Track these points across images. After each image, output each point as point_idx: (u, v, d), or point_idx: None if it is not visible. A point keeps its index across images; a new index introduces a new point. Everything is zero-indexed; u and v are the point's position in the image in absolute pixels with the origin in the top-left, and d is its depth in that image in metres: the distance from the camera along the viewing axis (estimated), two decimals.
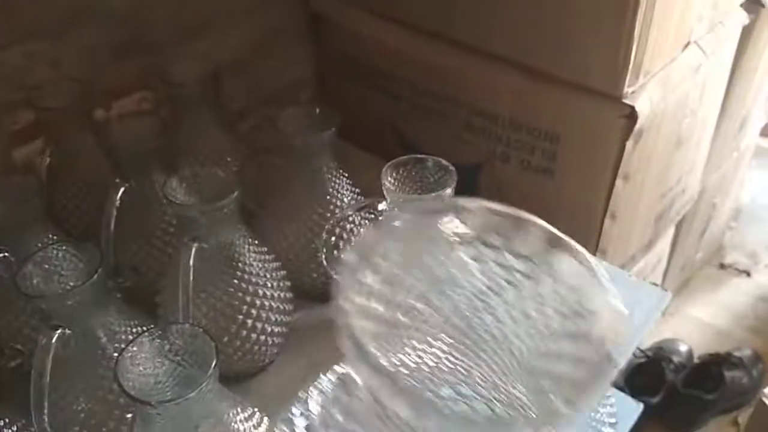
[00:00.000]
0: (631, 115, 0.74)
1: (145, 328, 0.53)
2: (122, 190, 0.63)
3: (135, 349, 0.45)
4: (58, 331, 0.49)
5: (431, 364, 0.47)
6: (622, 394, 0.67)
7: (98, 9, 0.76)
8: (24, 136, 0.74)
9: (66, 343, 0.49)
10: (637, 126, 0.75)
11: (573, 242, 0.44)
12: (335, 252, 0.62)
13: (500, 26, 0.79)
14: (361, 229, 0.66)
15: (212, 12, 0.87)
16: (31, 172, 0.71)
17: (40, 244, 0.59)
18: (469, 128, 0.87)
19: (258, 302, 0.61)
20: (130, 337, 0.52)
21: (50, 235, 0.61)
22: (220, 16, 0.88)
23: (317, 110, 0.68)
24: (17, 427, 0.53)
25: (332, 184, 0.70)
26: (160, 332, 0.46)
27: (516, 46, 0.79)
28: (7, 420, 0.54)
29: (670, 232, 1.13)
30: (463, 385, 0.47)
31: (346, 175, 0.71)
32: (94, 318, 0.51)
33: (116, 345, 0.52)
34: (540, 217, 0.46)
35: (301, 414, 0.42)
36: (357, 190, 0.72)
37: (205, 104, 0.74)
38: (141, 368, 0.45)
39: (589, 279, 0.41)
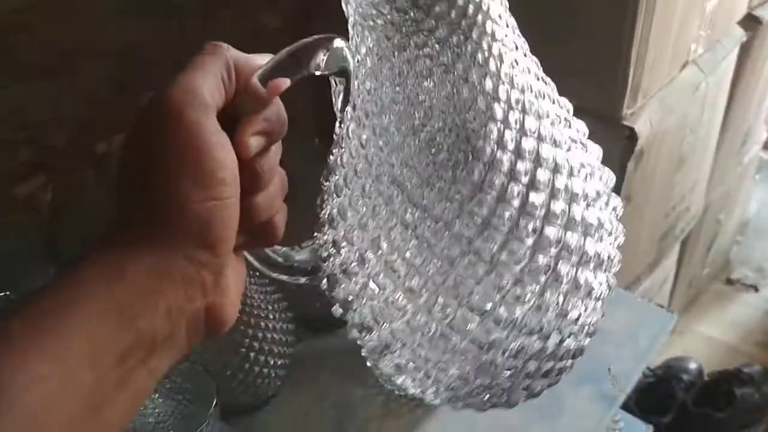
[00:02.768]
0: (631, 136, 0.74)
1: None
2: None
3: None
4: None
5: None
6: (630, 416, 0.66)
7: (97, 46, 0.76)
8: (26, 173, 0.74)
9: None
10: (637, 147, 0.75)
11: None
12: None
13: None
14: None
15: None
16: (33, 208, 0.71)
17: (41, 283, 0.59)
18: None
19: (260, 334, 0.61)
20: None
21: (52, 273, 0.61)
22: None
23: None
24: None
25: None
26: None
27: None
28: None
29: (676, 249, 1.12)
30: None
31: None
32: None
33: None
34: None
35: None
36: None
37: None
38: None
39: None
